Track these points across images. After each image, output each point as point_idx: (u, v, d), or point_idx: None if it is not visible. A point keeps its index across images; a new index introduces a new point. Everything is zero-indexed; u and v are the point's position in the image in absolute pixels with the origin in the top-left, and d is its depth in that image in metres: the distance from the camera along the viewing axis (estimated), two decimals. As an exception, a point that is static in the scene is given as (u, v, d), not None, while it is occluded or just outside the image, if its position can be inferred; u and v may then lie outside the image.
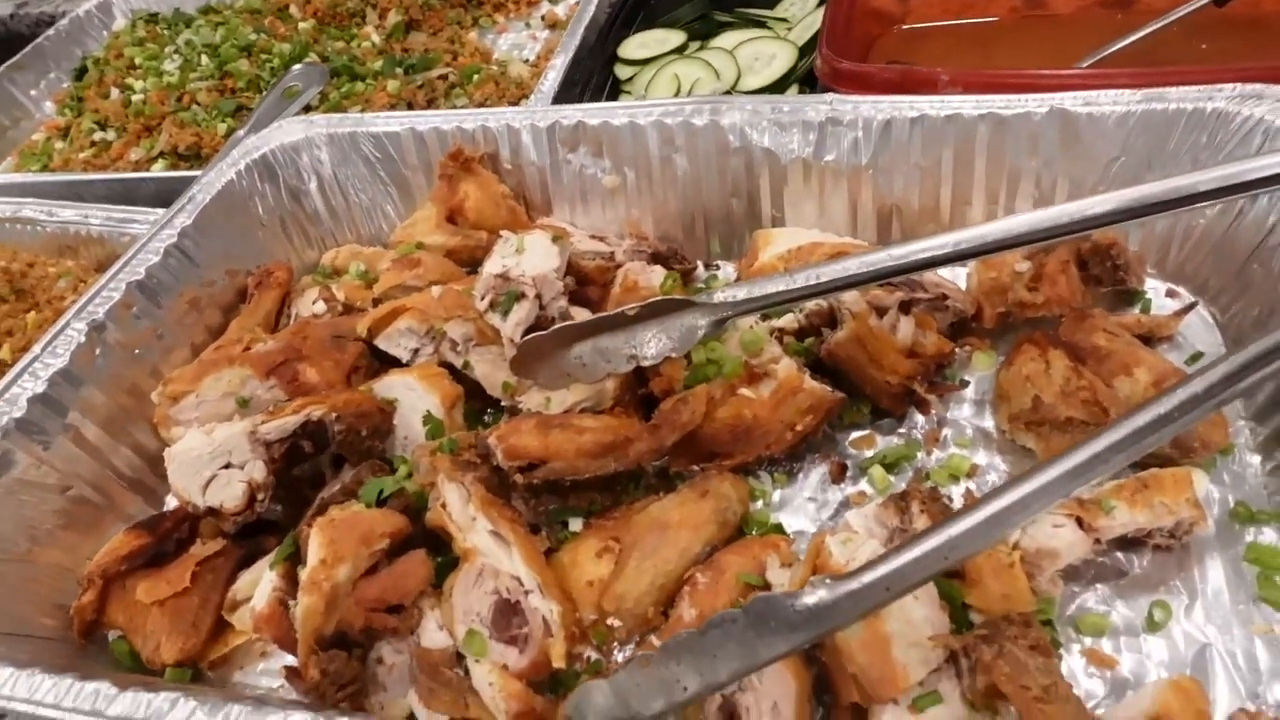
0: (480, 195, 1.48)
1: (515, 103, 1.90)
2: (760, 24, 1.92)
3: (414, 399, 1.20)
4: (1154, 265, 1.32)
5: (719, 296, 1.08)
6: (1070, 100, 1.26)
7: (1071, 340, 1.20)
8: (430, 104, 1.91)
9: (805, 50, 1.80)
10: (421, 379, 1.20)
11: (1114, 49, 1.60)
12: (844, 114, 1.34)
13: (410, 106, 1.90)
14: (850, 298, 1.17)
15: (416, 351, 1.31)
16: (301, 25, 2.21)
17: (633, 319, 1.10)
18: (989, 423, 1.21)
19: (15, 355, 1.49)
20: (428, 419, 1.18)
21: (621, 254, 1.41)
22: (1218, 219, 1.23)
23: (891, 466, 1.17)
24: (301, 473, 1.20)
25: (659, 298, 1.10)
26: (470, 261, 1.48)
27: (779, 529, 1.12)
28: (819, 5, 1.92)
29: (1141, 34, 1.61)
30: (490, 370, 1.25)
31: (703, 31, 1.94)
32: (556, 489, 1.11)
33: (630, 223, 1.50)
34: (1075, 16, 1.93)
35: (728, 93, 1.75)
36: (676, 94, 1.75)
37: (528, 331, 1.20)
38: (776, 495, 1.17)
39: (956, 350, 1.26)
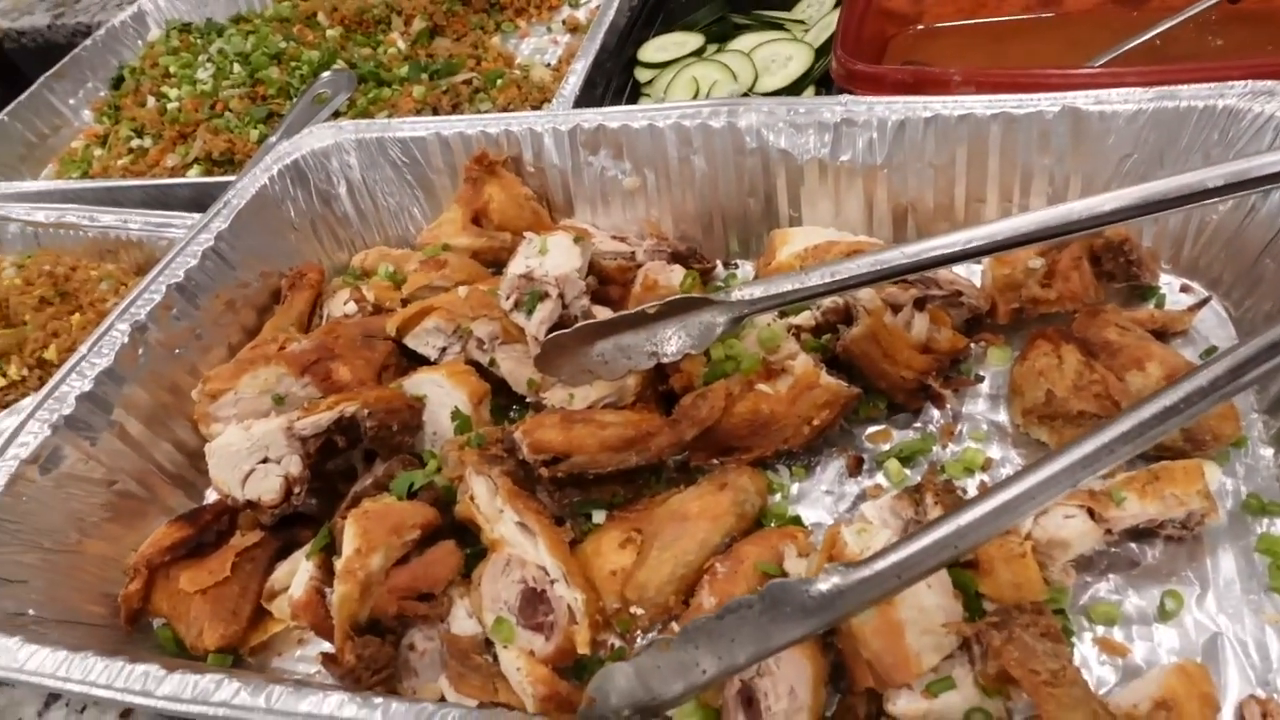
0: (504, 197, 1.52)
1: (538, 106, 1.94)
2: (777, 26, 1.95)
3: (442, 395, 1.24)
4: (1167, 260, 1.33)
5: (737, 295, 1.11)
6: (1082, 99, 1.28)
7: (1084, 335, 1.22)
8: (455, 108, 1.96)
9: (821, 52, 1.83)
10: (449, 376, 1.24)
11: (1127, 47, 1.61)
12: (858, 115, 1.37)
13: (435, 111, 1.94)
14: (865, 295, 1.20)
15: (444, 350, 1.35)
16: (329, 33, 2.26)
17: (653, 317, 1.13)
18: (1003, 417, 1.23)
19: (61, 355, 1.55)
20: (455, 415, 1.22)
21: (642, 254, 1.44)
22: (1231, 214, 1.24)
23: (907, 460, 1.19)
24: (335, 467, 1.25)
25: (678, 296, 1.13)
26: (495, 262, 1.52)
27: (796, 521, 1.15)
28: (835, 7, 1.94)
29: (1155, 32, 1.62)
30: (515, 367, 1.29)
31: (720, 34, 1.97)
32: (580, 482, 1.14)
33: (650, 223, 1.54)
34: (1089, 14, 1.93)
35: (745, 95, 1.78)
36: (695, 96, 1.79)
37: (551, 330, 1.24)
38: (794, 488, 1.20)
39: (971, 345, 1.28)
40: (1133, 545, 1.06)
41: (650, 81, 1.90)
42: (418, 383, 1.26)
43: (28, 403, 1.48)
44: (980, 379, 1.27)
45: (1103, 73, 1.49)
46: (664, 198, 1.52)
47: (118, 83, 2.40)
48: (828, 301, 1.27)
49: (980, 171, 1.36)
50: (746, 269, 1.52)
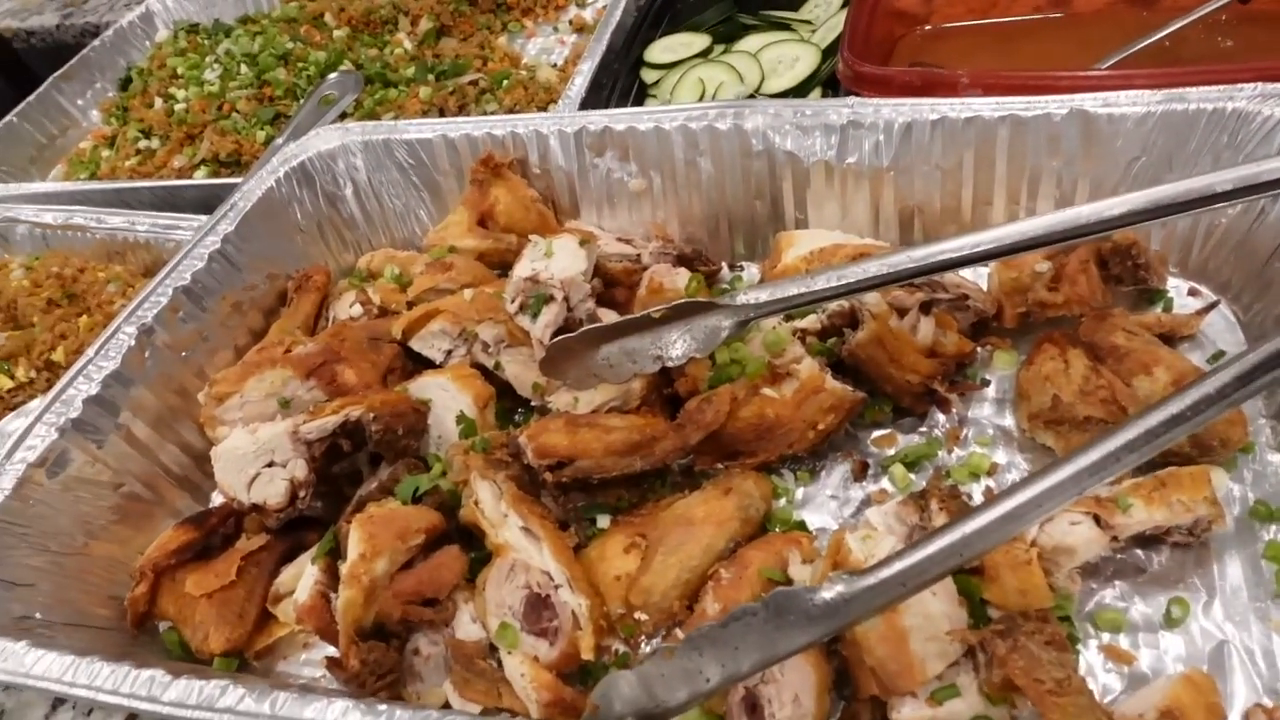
0: (510, 199, 1.52)
1: (544, 107, 1.94)
2: (784, 26, 1.94)
3: (447, 399, 1.24)
4: (1176, 264, 1.33)
5: (742, 298, 1.10)
6: (1090, 101, 1.27)
7: (1091, 339, 1.21)
8: (461, 109, 1.96)
9: (828, 53, 1.82)
10: (455, 380, 1.25)
11: (1137, 47, 1.60)
12: (865, 117, 1.36)
13: (442, 112, 1.94)
14: (871, 299, 1.20)
15: (449, 353, 1.35)
16: (336, 33, 2.26)
17: (658, 321, 1.13)
18: (1009, 421, 1.23)
19: (69, 357, 1.55)
20: (461, 419, 1.22)
21: (648, 256, 1.44)
22: (1239, 218, 1.23)
23: (912, 465, 1.19)
24: (340, 470, 1.25)
25: (683, 300, 1.13)
26: (501, 264, 1.53)
27: (801, 526, 1.15)
28: (842, 7, 1.93)
29: (1165, 32, 1.61)
30: (520, 371, 1.29)
31: (727, 34, 1.96)
32: (585, 486, 1.14)
33: (655, 225, 1.54)
34: (1099, 14, 1.92)
35: (751, 96, 1.78)
36: (701, 98, 1.78)
37: (557, 333, 1.24)
38: (799, 493, 1.20)
39: (978, 350, 1.28)
40: (1139, 552, 1.06)
41: (657, 82, 1.89)
42: (423, 386, 1.26)
43: (35, 405, 1.48)
44: (986, 383, 1.27)
45: (1111, 75, 1.48)
46: (670, 200, 1.52)
47: (126, 84, 2.41)
48: (833, 305, 1.27)
49: (988, 174, 1.35)
50: (752, 271, 1.52)
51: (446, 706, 1.03)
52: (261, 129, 2.00)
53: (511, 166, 1.54)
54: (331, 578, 1.10)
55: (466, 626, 1.07)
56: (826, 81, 1.77)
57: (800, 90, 1.76)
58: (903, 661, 0.90)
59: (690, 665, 0.82)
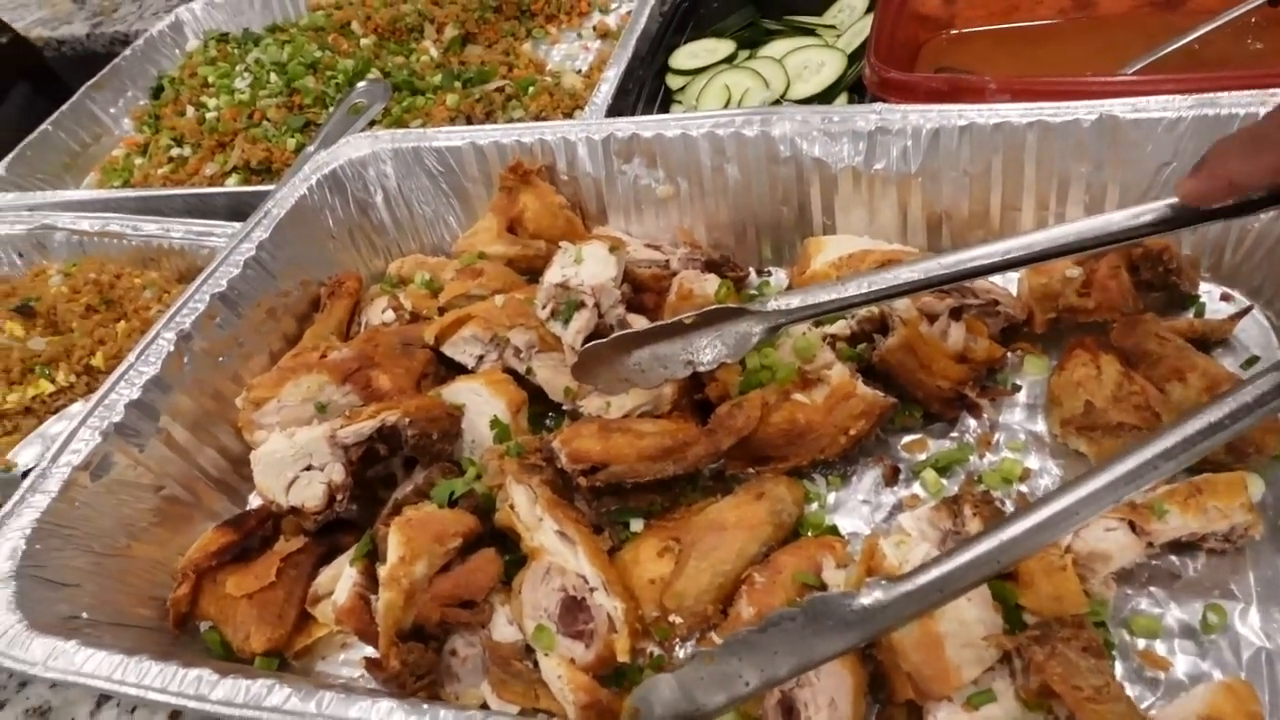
0: (538, 206, 1.54)
1: (569, 113, 1.95)
2: (809, 31, 1.95)
3: (481, 404, 1.25)
4: (1208, 269, 1.32)
5: (772, 304, 1.11)
6: (1119, 106, 1.27)
7: (1123, 345, 1.21)
8: (488, 116, 1.98)
9: (853, 58, 1.82)
10: (488, 385, 1.26)
11: (1164, 51, 1.60)
12: (893, 123, 1.37)
13: (469, 119, 1.96)
14: (901, 305, 1.20)
15: (481, 358, 1.37)
16: (363, 41, 2.29)
17: (689, 327, 1.14)
18: (1041, 426, 1.23)
19: (108, 362, 1.58)
20: (494, 423, 1.24)
21: (676, 262, 1.45)
22: (1272, 223, 1.23)
23: (944, 470, 1.19)
24: (375, 473, 1.27)
25: (714, 306, 1.14)
26: (530, 270, 1.54)
27: (833, 531, 1.16)
28: (867, 12, 1.94)
29: (1193, 36, 1.60)
30: (552, 376, 1.31)
31: (751, 39, 1.97)
32: (617, 491, 1.15)
33: (683, 231, 1.55)
34: (1124, 18, 1.91)
35: (777, 102, 1.79)
36: (727, 104, 1.79)
37: (588, 339, 1.25)
38: (830, 497, 1.21)
39: (1008, 355, 1.28)
40: (1174, 558, 1.06)
41: (682, 88, 1.90)
42: (456, 391, 1.28)
43: (76, 408, 1.53)
44: (1017, 388, 1.27)
45: (1141, 80, 1.48)
46: (697, 206, 1.53)
47: (157, 92, 2.44)
48: (863, 311, 1.28)
49: (1016, 180, 1.35)
50: (780, 276, 1.53)
51: (485, 707, 1.04)
52: (292, 136, 2.02)
53: (540, 173, 1.56)
54: (369, 580, 1.12)
55: (502, 628, 1.08)
56: (852, 87, 1.77)
57: (826, 96, 1.76)
58: (938, 667, 0.91)
59: (728, 669, 0.83)
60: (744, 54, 1.94)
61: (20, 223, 1.92)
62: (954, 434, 1.24)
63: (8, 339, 1.64)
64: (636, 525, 1.16)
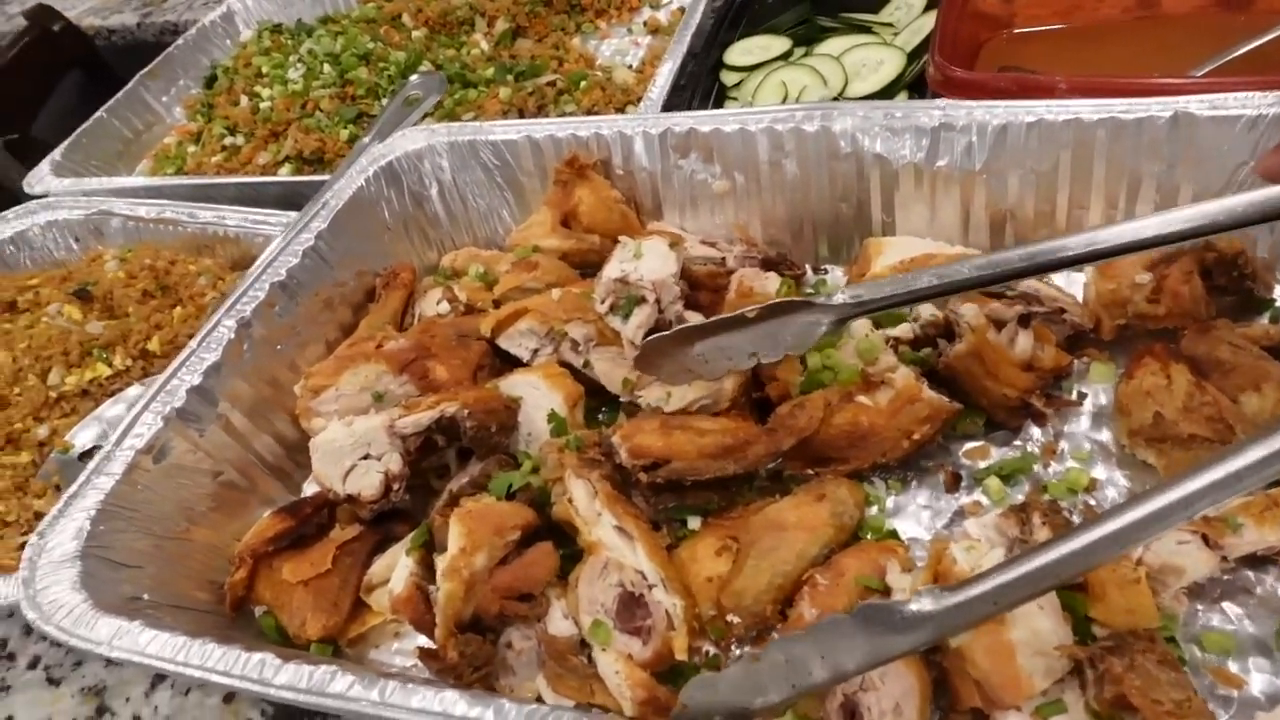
0: (593, 200, 1.53)
1: (621, 108, 1.95)
2: (865, 29, 1.93)
3: (538, 397, 1.25)
4: (1283, 274, 1.29)
5: (839, 297, 1.09)
6: (1195, 104, 1.24)
7: (1194, 353, 1.18)
8: (540, 110, 1.98)
9: (912, 56, 1.80)
10: (545, 378, 1.26)
11: (1240, 52, 1.56)
12: (957, 119, 1.34)
13: (521, 113, 1.97)
14: (969, 311, 1.18)
15: (536, 351, 1.37)
16: (414, 34, 2.30)
17: (753, 320, 1.12)
18: (1106, 436, 1.20)
19: (163, 348, 1.60)
20: (552, 417, 1.23)
21: (732, 260, 1.44)
22: (1355, 228, 1.19)
23: (1007, 478, 1.17)
24: (429, 464, 1.27)
25: (779, 300, 1.12)
26: (583, 264, 1.54)
27: (893, 535, 1.14)
28: (925, 10, 1.91)
29: (1266, 38, 1.56)
30: (610, 368, 1.30)
31: (806, 37, 1.95)
32: (675, 488, 1.14)
33: (739, 227, 1.53)
34: (1190, 18, 1.87)
35: (836, 99, 1.77)
36: (784, 100, 1.78)
37: (648, 334, 1.25)
38: (890, 502, 1.19)
39: (1074, 363, 1.25)
40: (1249, 573, 1.03)
41: (737, 85, 1.89)
42: (513, 384, 1.28)
43: (132, 392, 1.55)
44: (1083, 397, 1.24)
45: (1216, 81, 1.44)
46: (753, 202, 1.51)
47: (210, 81, 2.47)
48: (927, 315, 1.26)
49: (1084, 178, 1.33)
50: (836, 274, 1.51)
51: (540, 701, 1.04)
52: (345, 127, 2.04)
53: (595, 167, 1.55)
54: (425, 569, 1.12)
55: (558, 622, 1.08)
56: (911, 86, 1.75)
57: (885, 94, 1.74)
58: (1008, 675, 0.89)
59: (778, 669, 0.82)
60: (799, 51, 1.92)
61: (78, 208, 1.95)
62: (1017, 442, 1.22)
63: (66, 322, 1.66)
64: (694, 523, 1.15)
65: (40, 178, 2.16)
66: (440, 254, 1.67)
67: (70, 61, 3.12)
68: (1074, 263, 1.02)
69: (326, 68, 2.20)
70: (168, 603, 1.16)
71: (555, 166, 1.56)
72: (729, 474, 1.13)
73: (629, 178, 1.56)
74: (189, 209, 1.83)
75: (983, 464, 1.20)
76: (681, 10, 2.25)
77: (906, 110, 1.38)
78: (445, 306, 1.47)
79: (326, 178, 1.77)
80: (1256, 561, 1.03)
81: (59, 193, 2.08)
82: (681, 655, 1.02)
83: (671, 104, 1.79)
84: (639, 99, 1.91)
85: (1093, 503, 1.13)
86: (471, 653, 1.03)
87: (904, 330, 1.25)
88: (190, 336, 1.55)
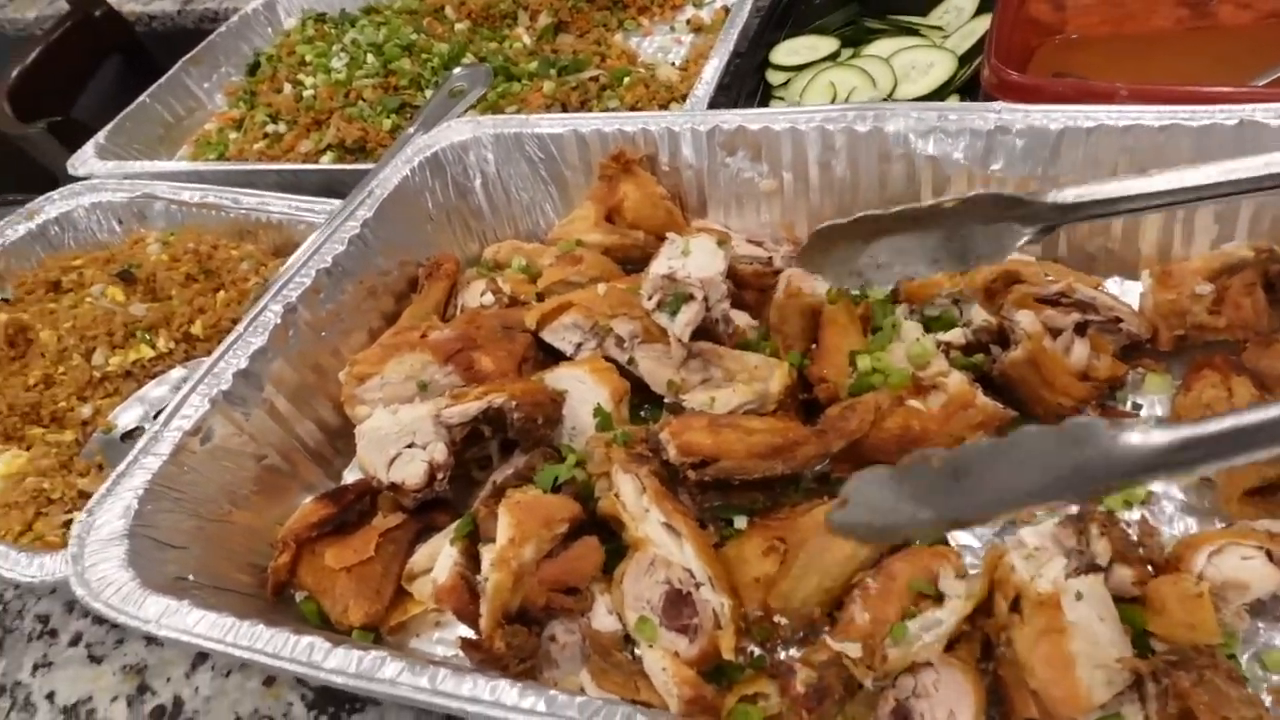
0: (639, 196, 1.53)
1: (665, 105, 1.94)
2: (913, 31, 1.91)
3: (584, 391, 1.24)
4: (1348, 289, 1.26)
5: (1052, 197, 0.96)
6: (1261, 111, 1.22)
7: (1256, 366, 1.16)
8: (583, 105, 1.97)
9: (962, 60, 1.78)
10: (592, 373, 1.25)
11: (1299, 65, 1.53)
12: (1013, 123, 1.33)
13: (564, 107, 1.96)
14: (1025, 317, 1.16)
15: (579, 346, 1.36)
16: (457, 26, 2.30)
17: (948, 212, 0.99)
18: (1161, 447, 1.18)
19: (206, 331, 1.61)
20: (597, 411, 1.22)
21: (779, 260, 1.43)
22: None
23: (1059, 486, 1.15)
24: (471, 454, 1.27)
25: (981, 191, 1.00)
26: (626, 260, 1.53)
27: (943, 541, 1.12)
28: (976, 14, 1.89)
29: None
30: (655, 367, 1.29)
31: (854, 38, 1.94)
32: (722, 487, 1.13)
33: (785, 227, 1.52)
34: (1246, 29, 1.84)
35: (885, 100, 1.75)
36: (833, 101, 1.76)
37: (695, 333, 1.24)
38: (939, 507, 1.17)
39: (1129, 372, 1.23)
40: (1313, 591, 1.01)
41: (783, 85, 1.88)
42: (559, 377, 1.27)
43: (175, 374, 1.56)
44: (1138, 408, 1.22)
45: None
46: (800, 202, 1.50)
47: (254, 69, 2.48)
48: (979, 320, 1.24)
49: (1143, 187, 1.30)
50: (882, 278, 1.49)
51: (581, 693, 1.03)
52: (387, 117, 2.04)
53: (641, 163, 1.55)
54: (470, 560, 1.12)
55: (602, 618, 1.07)
56: (962, 89, 1.73)
57: (935, 97, 1.72)
58: (1068, 687, 0.88)
59: (953, 482, 0.73)
60: (846, 52, 1.91)
61: (121, 191, 1.96)
62: (1069, 449, 1.20)
63: (110, 303, 1.67)
64: (740, 522, 1.14)
65: (84, 160, 2.17)
66: (482, 246, 1.67)
67: (111, 47, 3.15)
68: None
69: (370, 58, 2.20)
70: (211, 584, 1.16)
71: (601, 161, 1.55)
72: (777, 474, 1.12)
73: (675, 174, 1.55)
74: (232, 194, 1.84)
75: (1034, 472, 1.18)
76: (725, 10, 2.24)
77: (961, 113, 1.36)
78: (489, 298, 1.47)
79: (369, 167, 1.77)
80: (1320, 580, 1.00)
81: (102, 175, 2.09)
82: (728, 655, 1.01)
83: (716, 102, 1.78)
84: (683, 96, 1.90)
85: (1148, 515, 1.11)
86: (518, 644, 1.02)
87: (956, 335, 1.23)
88: (233, 321, 1.56)
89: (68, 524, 1.33)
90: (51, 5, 3.45)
